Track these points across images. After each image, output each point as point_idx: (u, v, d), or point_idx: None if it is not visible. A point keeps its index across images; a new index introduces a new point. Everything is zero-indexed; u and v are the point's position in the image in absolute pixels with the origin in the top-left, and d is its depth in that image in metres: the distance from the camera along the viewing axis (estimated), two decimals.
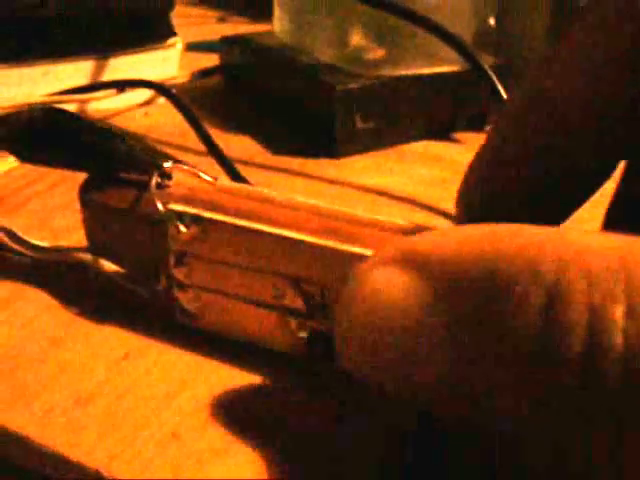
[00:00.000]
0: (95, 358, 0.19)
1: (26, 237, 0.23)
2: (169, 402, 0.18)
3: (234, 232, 0.18)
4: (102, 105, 0.40)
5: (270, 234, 0.18)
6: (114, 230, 0.20)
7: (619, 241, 0.10)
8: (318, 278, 0.18)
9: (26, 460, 0.18)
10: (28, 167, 0.31)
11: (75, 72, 0.41)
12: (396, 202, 0.31)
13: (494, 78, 0.32)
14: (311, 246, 0.17)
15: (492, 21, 0.37)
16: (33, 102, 0.38)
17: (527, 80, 0.17)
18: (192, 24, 0.59)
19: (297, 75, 0.37)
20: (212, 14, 0.65)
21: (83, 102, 0.40)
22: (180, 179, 0.20)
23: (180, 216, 0.19)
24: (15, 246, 0.24)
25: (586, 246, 0.10)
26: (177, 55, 0.44)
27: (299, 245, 0.18)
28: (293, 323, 0.18)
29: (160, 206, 0.19)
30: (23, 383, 0.19)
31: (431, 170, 0.34)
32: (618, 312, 0.09)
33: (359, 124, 0.34)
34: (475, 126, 0.37)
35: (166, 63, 0.43)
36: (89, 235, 0.21)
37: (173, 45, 0.43)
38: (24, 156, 0.23)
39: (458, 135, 0.37)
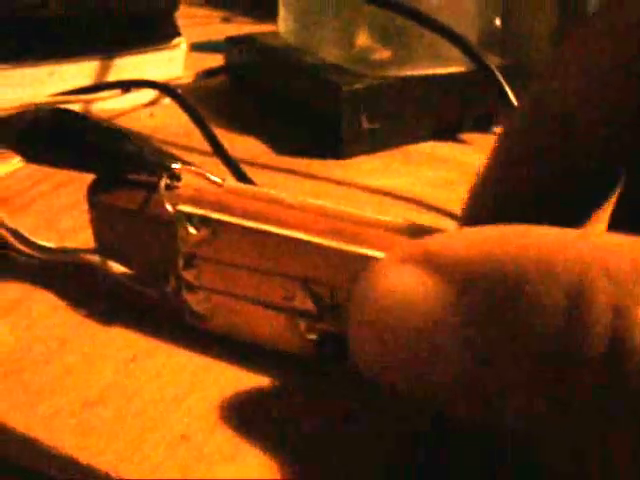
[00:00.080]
0: (103, 360, 0.19)
1: (33, 238, 0.23)
2: (178, 404, 0.18)
3: (243, 234, 0.18)
4: (107, 105, 0.40)
5: (279, 236, 0.18)
6: (122, 231, 0.20)
7: (637, 242, 0.10)
8: (327, 279, 0.17)
9: (34, 462, 0.17)
10: (33, 167, 0.31)
11: (80, 72, 0.41)
12: (402, 203, 0.31)
13: (501, 79, 0.32)
14: (320, 247, 0.17)
15: (498, 21, 0.37)
16: (38, 102, 0.38)
17: (535, 83, 0.17)
18: (196, 24, 0.59)
19: (303, 75, 0.37)
20: (216, 14, 0.65)
21: (88, 102, 0.40)
22: (188, 180, 0.20)
23: (189, 218, 0.18)
24: (22, 247, 0.24)
25: (606, 246, 0.10)
26: (182, 55, 0.44)
27: (308, 246, 0.17)
28: (302, 325, 0.18)
29: (169, 208, 0.19)
30: (30, 385, 0.19)
31: (438, 171, 0.34)
32: None
33: (365, 125, 0.33)
34: (482, 127, 0.37)
35: (171, 63, 0.43)
36: (97, 236, 0.21)
37: (178, 45, 0.43)
38: (30, 157, 0.23)
39: (465, 136, 0.37)
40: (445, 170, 0.34)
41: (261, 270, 0.18)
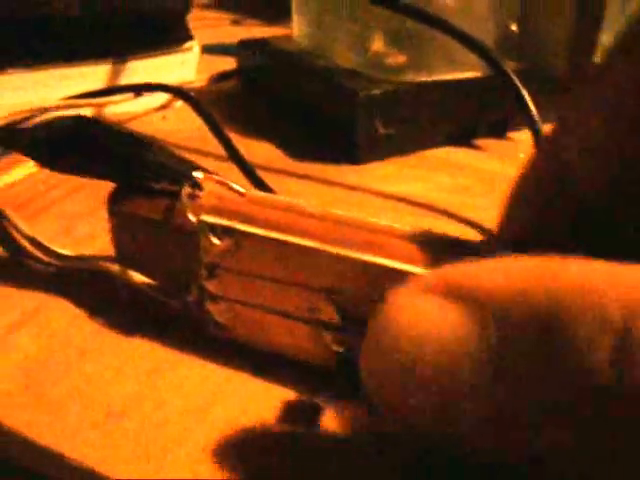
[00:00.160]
0: (125, 371, 0.19)
1: (51, 246, 0.23)
2: (202, 416, 0.18)
3: (267, 245, 0.18)
4: (119, 109, 0.40)
5: (303, 247, 0.18)
6: (143, 240, 0.20)
7: None
8: (352, 291, 0.17)
9: (58, 475, 0.17)
10: (47, 172, 0.30)
11: (91, 76, 0.41)
12: (417, 209, 0.31)
13: (518, 83, 0.32)
14: (345, 259, 0.17)
15: (514, 26, 0.37)
16: (49, 106, 0.38)
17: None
18: (206, 27, 0.59)
19: (317, 80, 0.37)
20: (226, 16, 0.65)
21: (100, 106, 0.40)
22: (211, 189, 0.19)
23: (212, 228, 0.18)
24: (39, 254, 0.23)
25: None
26: (195, 59, 0.44)
27: (333, 258, 0.17)
28: (327, 337, 0.18)
29: (192, 218, 0.18)
30: (52, 396, 0.18)
31: (453, 177, 0.33)
32: None
33: (381, 130, 0.33)
34: (497, 132, 0.37)
35: (183, 67, 0.43)
36: (117, 245, 0.21)
37: (190, 49, 0.43)
38: (49, 164, 0.22)
39: (480, 142, 0.37)
40: (460, 176, 0.34)
41: (285, 281, 0.18)
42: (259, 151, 0.35)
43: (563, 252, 0.16)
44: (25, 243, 0.24)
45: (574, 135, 0.15)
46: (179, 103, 0.41)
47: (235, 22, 0.63)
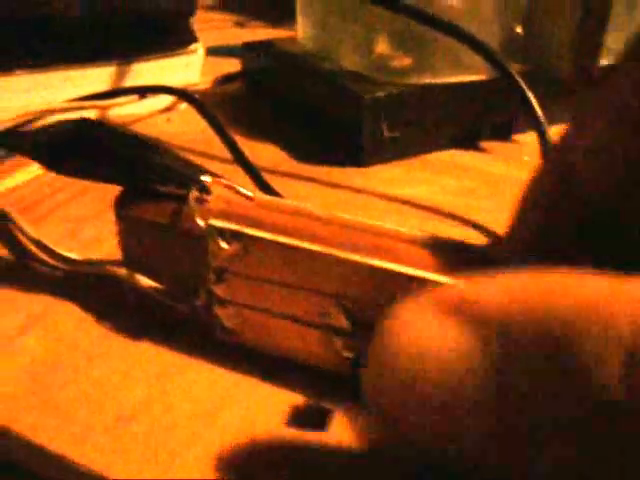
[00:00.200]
0: (133, 375, 0.19)
1: (58, 249, 0.23)
2: (212, 421, 0.18)
3: (276, 249, 0.18)
4: (123, 111, 0.40)
5: (312, 252, 0.18)
6: (151, 244, 0.20)
7: None
8: (362, 296, 0.17)
9: (65, 479, 0.17)
10: (52, 175, 0.30)
11: (95, 78, 0.41)
12: (422, 212, 0.31)
13: (524, 86, 0.32)
14: (354, 264, 0.17)
15: (518, 29, 0.37)
16: (52, 108, 0.38)
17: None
18: (210, 28, 0.59)
19: (322, 82, 0.37)
20: (230, 18, 0.65)
21: (104, 108, 0.40)
22: (219, 193, 0.19)
23: (221, 232, 0.18)
24: (45, 258, 0.23)
25: None
26: (199, 61, 0.44)
27: (342, 263, 0.17)
28: (338, 342, 0.18)
29: (201, 222, 0.18)
30: (59, 400, 0.18)
31: (458, 180, 0.33)
32: None
33: (386, 133, 0.33)
34: (501, 135, 0.37)
35: (188, 69, 0.43)
36: (124, 248, 0.21)
37: (195, 51, 0.43)
38: (55, 168, 0.22)
39: (484, 144, 0.37)
40: (465, 178, 0.34)
41: (294, 286, 0.18)
42: (264, 153, 0.35)
43: (569, 255, 0.16)
44: (31, 246, 0.24)
45: (580, 137, 0.15)
46: (183, 105, 0.41)
47: (239, 24, 0.63)
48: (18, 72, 0.38)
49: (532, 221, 0.16)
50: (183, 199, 0.19)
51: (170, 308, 0.20)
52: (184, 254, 0.19)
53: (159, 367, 0.19)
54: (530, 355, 0.11)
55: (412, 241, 0.18)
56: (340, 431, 0.17)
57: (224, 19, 0.64)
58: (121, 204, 0.20)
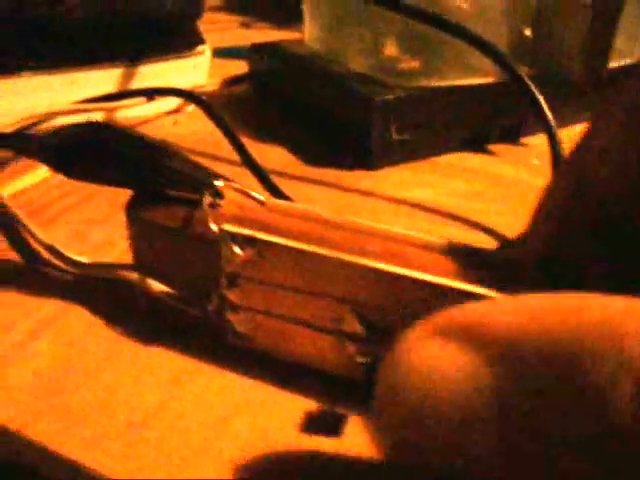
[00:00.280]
0: (145, 380, 0.19)
1: (68, 253, 0.23)
2: (225, 427, 0.18)
3: (289, 255, 0.18)
4: (131, 113, 0.40)
5: (326, 257, 0.17)
6: (163, 249, 0.20)
7: None
8: (376, 302, 0.17)
9: None
10: (60, 177, 0.30)
11: (103, 80, 0.41)
12: (431, 215, 0.31)
13: (533, 88, 0.32)
14: (368, 270, 0.17)
15: (528, 31, 0.37)
16: (59, 110, 0.38)
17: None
18: (216, 30, 0.59)
19: (330, 84, 0.36)
20: (235, 19, 0.65)
21: (112, 110, 0.40)
22: (231, 198, 0.19)
23: (234, 237, 0.18)
24: (56, 262, 0.23)
25: None
26: (206, 63, 0.44)
27: (356, 268, 0.17)
28: (351, 348, 0.18)
29: (214, 227, 0.18)
30: (71, 406, 0.18)
31: (467, 182, 0.33)
32: None
33: (395, 136, 0.33)
34: (510, 138, 0.37)
35: (195, 71, 0.43)
36: (135, 252, 0.21)
37: (202, 53, 0.43)
38: (66, 172, 0.22)
39: (493, 147, 0.37)
40: (474, 181, 0.34)
41: (307, 291, 0.18)
42: (271, 156, 0.35)
43: (584, 259, 0.16)
44: (41, 250, 0.24)
45: (594, 138, 0.15)
46: (191, 107, 0.41)
47: (244, 25, 0.63)
48: (24, 74, 0.38)
49: (548, 224, 0.16)
50: (194, 203, 0.19)
51: (182, 313, 0.20)
52: (196, 258, 0.19)
53: (170, 372, 0.19)
54: (539, 374, 0.11)
55: (423, 245, 0.17)
56: (354, 436, 0.17)
57: (230, 20, 0.64)
58: (133, 207, 0.20)
